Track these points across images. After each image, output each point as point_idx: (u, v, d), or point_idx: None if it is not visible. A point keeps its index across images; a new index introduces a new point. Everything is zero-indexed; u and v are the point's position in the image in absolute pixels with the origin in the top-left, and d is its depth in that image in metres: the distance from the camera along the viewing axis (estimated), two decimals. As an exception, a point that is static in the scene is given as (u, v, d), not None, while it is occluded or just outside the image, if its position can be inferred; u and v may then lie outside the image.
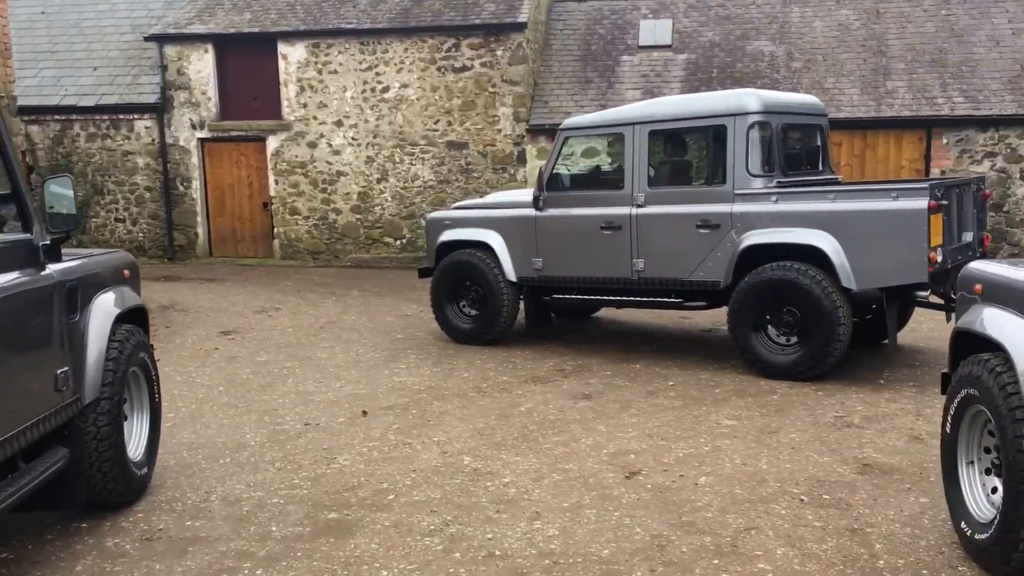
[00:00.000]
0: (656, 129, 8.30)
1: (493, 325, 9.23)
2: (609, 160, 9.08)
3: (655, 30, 16.71)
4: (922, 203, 7.05)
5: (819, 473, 5.45)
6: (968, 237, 7.79)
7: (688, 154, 8.59)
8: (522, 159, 15.41)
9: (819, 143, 8.77)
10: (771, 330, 7.74)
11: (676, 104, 8.42)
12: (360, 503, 5.14)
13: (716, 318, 10.02)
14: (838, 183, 8.76)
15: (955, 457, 4.37)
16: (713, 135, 8.05)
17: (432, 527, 4.76)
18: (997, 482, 4.19)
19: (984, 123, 13.98)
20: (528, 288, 9.16)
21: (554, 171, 8.89)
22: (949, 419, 4.38)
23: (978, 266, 4.40)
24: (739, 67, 15.65)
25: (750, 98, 7.91)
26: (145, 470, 5.28)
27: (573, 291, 8.88)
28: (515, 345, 9.28)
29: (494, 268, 9.15)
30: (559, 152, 8.87)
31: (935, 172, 14.20)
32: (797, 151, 8.46)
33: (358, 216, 16.20)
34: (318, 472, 5.67)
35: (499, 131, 15.45)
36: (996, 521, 3.91)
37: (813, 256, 7.50)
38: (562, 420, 6.69)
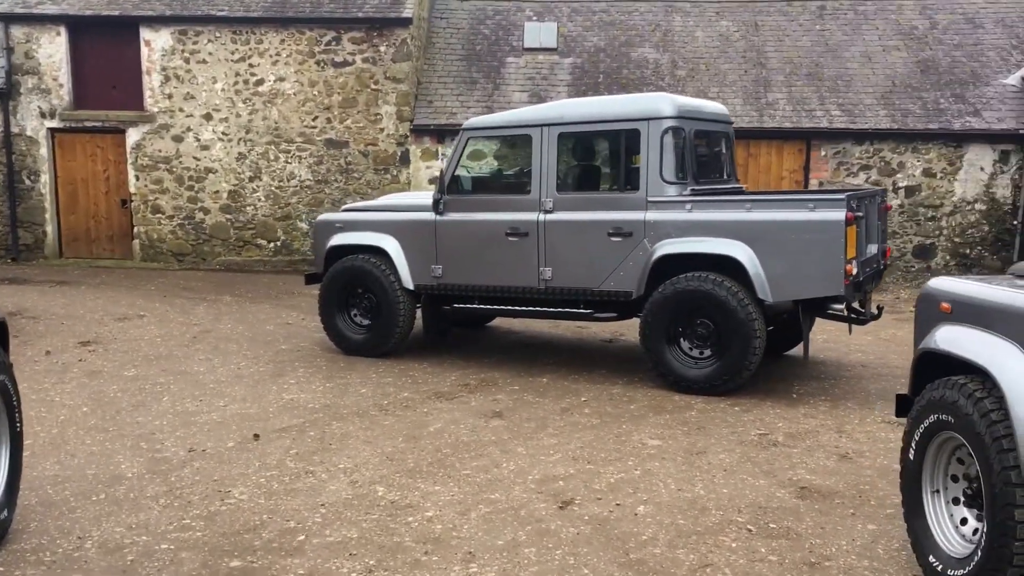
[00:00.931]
0: (566, 132, 7.93)
1: (388, 336, 8.65)
2: (515, 163, 8.67)
3: (540, 33, 16.44)
4: (839, 214, 6.94)
5: (759, 499, 5.17)
6: (873, 249, 7.77)
7: (599, 159, 8.27)
8: (405, 160, 14.82)
9: (726, 151, 8.61)
10: (684, 343, 7.49)
11: (587, 106, 8.08)
12: (266, 546, 4.51)
13: (616, 329, 9.76)
14: (743, 192, 8.63)
15: (919, 486, 4.14)
16: (626, 139, 7.75)
17: (354, 574, 4.19)
18: (966, 513, 3.98)
19: (860, 136, 14.33)
20: (426, 297, 8.63)
21: (456, 173, 8.39)
22: (913, 445, 4.14)
23: (943, 284, 4.19)
24: (625, 73, 15.55)
25: (664, 102, 7.65)
26: (5, 513, 4.50)
27: (475, 300, 8.41)
28: (412, 357, 8.73)
29: (390, 275, 8.58)
30: (461, 153, 8.38)
31: (813, 183, 14.46)
32: (707, 159, 8.26)
33: (228, 216, 15.22)
34: (212, 509, 5.00)
35: (382, 130, 14.82)
36: (976, 558, 3.67)
37: (728, 267, 7.29)
38: (477, 442, 6.20)
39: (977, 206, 14.37)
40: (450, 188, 8.37)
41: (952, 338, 3.92)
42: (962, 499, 3.99)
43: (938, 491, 4.10)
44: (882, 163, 14.39)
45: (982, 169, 14.27)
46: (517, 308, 8.23)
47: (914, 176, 14.34)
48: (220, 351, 9.03)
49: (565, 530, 4.70)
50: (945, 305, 4.06)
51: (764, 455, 5.92)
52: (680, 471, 5.60)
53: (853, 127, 14.31)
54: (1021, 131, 13.98)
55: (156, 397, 7.34)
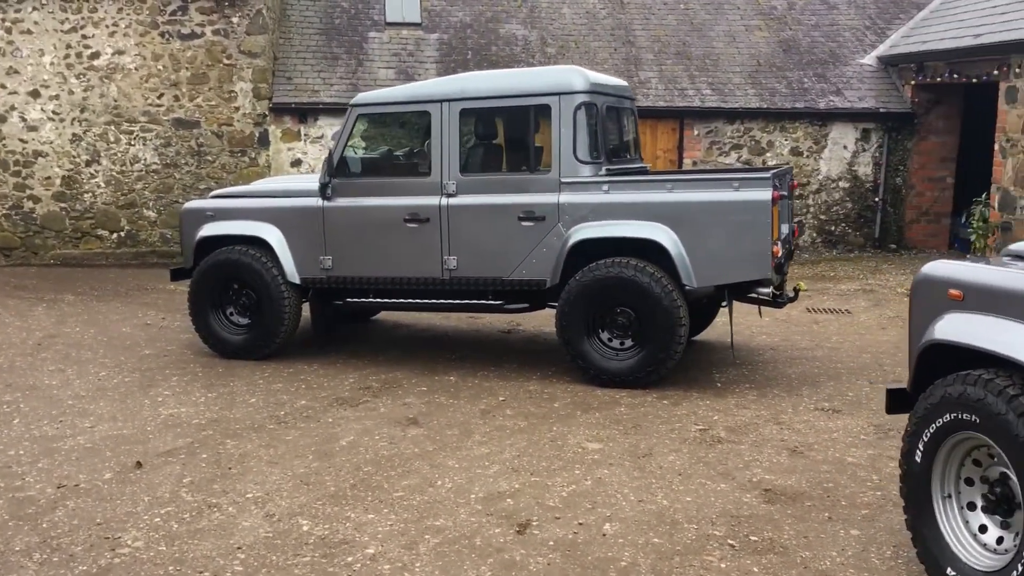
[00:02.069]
0: (468, 108, 7.28)
1: (272, 336, 7.78)
2: (412, 143, 7.96)
3: (402, 7, 15.63)
4: (766, 194, 6.63)
5: (727, 506, 4.75)
6: (785, 229, 7.53)
7: (506, 137, 7.66)
8: (264, 141, 13.73)
9: (632, 128, 8.19)
10: (604, 334, 7.02)
11: (491, 80, 7.45)
12: (181, 608, 3.71)
13: (511, 318, 9.23)
14: (649, 172, 8.25)
15: (927, 490, 3.79)
16: (535, 116, 7.18)
17: (301, 638, 3.47)
18: (985, 520, 3.65)
19: (731, 115, 14.33)
20: (315, 291, 7.81)
21: (344, 154, 7.60)
22: (921, 447, 3.78)
23: (946, 268, 3.84)
24: (494, 50, 14.98)
25: (576, 76, 7.12)
26: None
27: (371, 294, 7.66)
28: (300, 359, 7.90)
29: (272, 268, 7.71)
30: (350, 132, 7.59)
31: (687, 163, 14.37)
32: (616, 137, 7.81)
33: (63, 205, 13.69)
34: (102, 564, 4.13)
35: (237, 109, 13.65)
36: (1018, 571, 3.33)
37: (649, 251, 6.87)
38: (399, 456, 5.52)
39: (841, 184, 14.66)
40: (339, 171, 7.57)
41: (973, 330, 3.56)
42: (980, 505, 3.66)
43: (950, 496, 3.76)
44: (752, 142, 14.44)
45: (845, 147, 14.55)
46: (419, 301, 7.55)
47: (782, 155, 14.47)
48: (73, 360, 7.91)
49: (533, 561, 4.11)
50: (955, 292, 3.71)
51: (713, 454, 5.52)
52: (633, 478, 5.12)
53: (725, 106, 14.29)
54: (881, 110, 14.33)
55: (4, 420, 6.25)
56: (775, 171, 6.89)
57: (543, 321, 8.96)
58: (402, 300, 7.58)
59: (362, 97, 7.66)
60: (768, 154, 14.42)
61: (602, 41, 15.45)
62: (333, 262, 7.62)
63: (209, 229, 7.97)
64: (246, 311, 7.91)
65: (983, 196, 11.71)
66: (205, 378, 7.31)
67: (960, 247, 13.42)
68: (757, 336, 8.67)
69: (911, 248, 14.51)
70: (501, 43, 15.18)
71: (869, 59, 15.14)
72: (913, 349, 4.00)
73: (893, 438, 5.81)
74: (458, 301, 7.45)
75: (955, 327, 3.65)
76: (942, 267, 3.87)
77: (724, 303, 7.23)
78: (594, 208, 6.95)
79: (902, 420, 6.09)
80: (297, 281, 7.72)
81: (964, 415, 3.55)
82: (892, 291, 11.03)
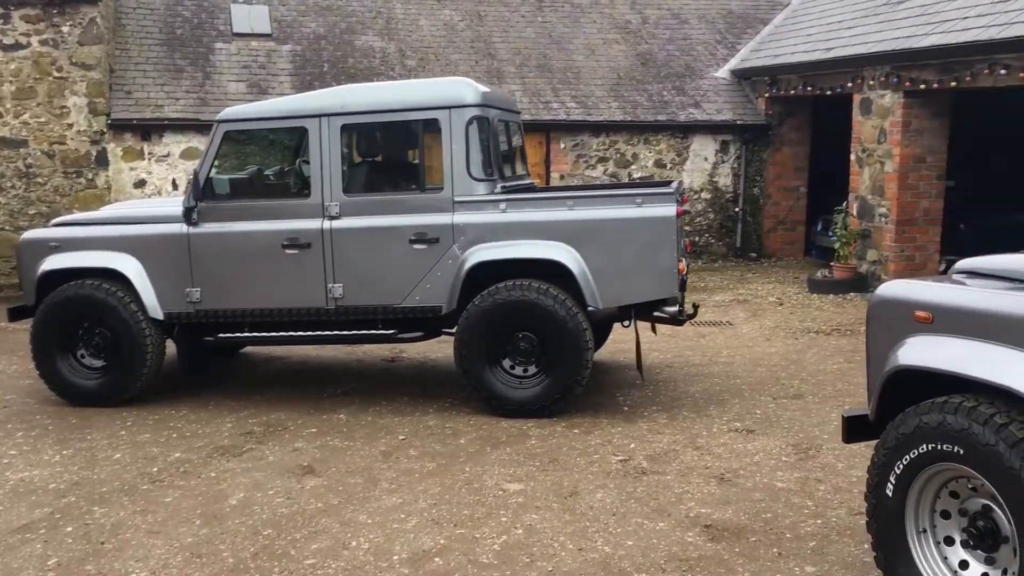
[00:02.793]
0: (350, 123, 6.74)
1: (133, 379, 6.96)
2: (288, 161, 7.32)
3: (250, 16, 14.79)
4: (670, 209, 6.41)
5: (672, 547, 4.43)
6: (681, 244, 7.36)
7: (393, 154, 7.15)
8: (103, 160, 12.59)
9: (519, 143, 7.84)
10: (506, 361, 6.62)
11: (374, 92, 6.93)
12: None
13: (393, 345, 8.68)
14: (536, 189, 7.93)
15: (901, 526, 3.57)
16: (424, 131, 6.72)
17: None
18: (966, 555, 3.46)
19: (596, 128, 14.26)
20: (181, 327, 7.04)
21: (211, 175, 6.90)
22: (893, 480, 3.56)
23: (909, 289, 3.64)
24: (351, 62, 14.36)
25: (466, 88, 6.71)
26: None
27: (247, 327, 6.97)
28: (164, 403, 7.10)
29: (130, 303, 6.90)
30: (217, 150, 6.89)
31: (555, 177, 14.20)
32: (506, 152, 7.44)
33: None
34: None
35: (70, 126, 12.46)
36: (1016, 611, 3.14)
37: (550, 272, 6.52)
38: (301, 513, 4.93)
39: (703, 195, 14.83)
40: (206, 193, 6.86)
41: (953, 355, 3.35)
42: (959, 539, 3.46)
43: (925, 531, 3.55)
44: (618, 155, 14.42)
45: (706, 159, 14.75)
46: (301, 334, 6.92)
47: (647, 167, 14.52)
48: None
49: (481, 632, 3.65)
50: (923, 314, 3.51)
51: (641, 488, 5.20)
52: (566, 523, 4.73)
53: (590, 119, 14.20)
54: (739, 122, 14.60)
55: None
56: (678, 186, 6.69)
57: (428, 347, 8.47)
58: (282, 334, 6.93)
59: (230, 112, 6.98)
60: (633, 167, 14.44)
61: (462, 54, 15.10)
62: (202, 294, 6.89)
63: (54, 262, 7.06)
64: (100, 352, 7.05)
65: (844, 204, 12.03)
66: (57, 432, 6.44)
67: (817, 255, 13.78)
68: (650, 354, 8.47)
69: (770, 256, 14.84)
70: (358, 55, 14.59)
71: (723, 72, 15.42)
72: (874, 375, 3.79)
73: (814, 458, 5.67)
74: (346, 332, 6.87)
75: (929, 352, 3.44)
76: (904, 288, 3.67)
77: (625, 323, 6.96)
78: (491, 228, 6.55)
79: (820, 440, 6.01)
80: (160, 317, 6.94)
81: (944, 446, 3.34)
82: (764, 300, 11.14)
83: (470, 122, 6.58)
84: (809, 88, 13.12)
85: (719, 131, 14.70)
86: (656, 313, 6.77)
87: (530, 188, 7.68)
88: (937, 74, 10.24)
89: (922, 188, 11.23)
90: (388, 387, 7.45)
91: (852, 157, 12.15)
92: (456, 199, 6.58)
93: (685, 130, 14.56)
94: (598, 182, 13.84)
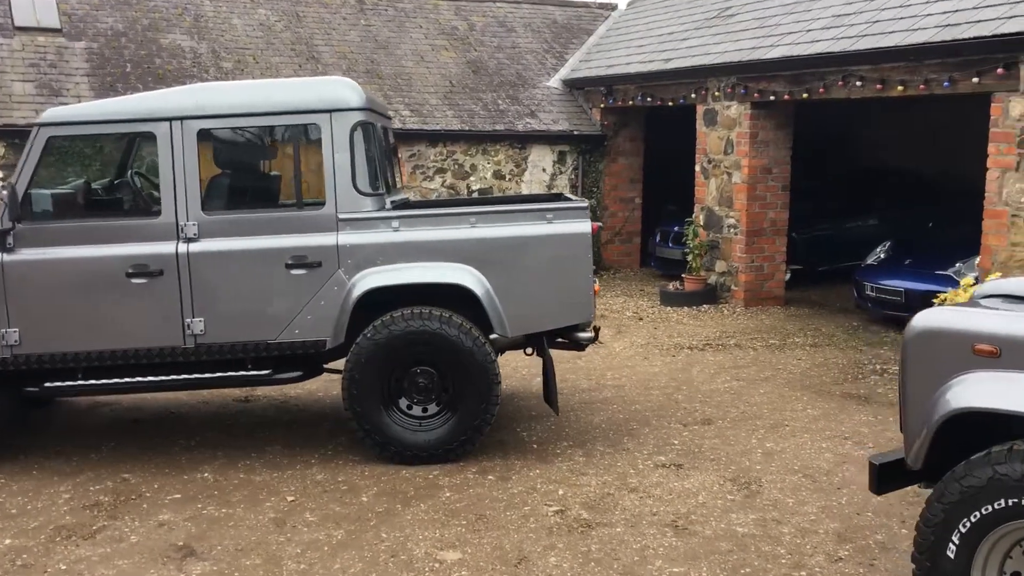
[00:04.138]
0: (210, 128, 5.69)
1: (-69, 444, 5.58)
2: (131, 172, 6.13)
3: (35, 9, 12.99)
4: (584, 225, 5.84)
5: (664, 621, 3.80)
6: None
7: (261, 164, 6.14)
8: None
9: (394, 154, 7.03)
10: (402, 400, 5.79)
11: (240, 93, 5.87)
12: None
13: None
14: (411, 204, 7.15)
15: (964, 589, 3.12)
16: (301, 138, 5.79)
17: None
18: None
19: (433, 138, 13.54)
20: (-6, 377, 5.72)
21: (31, 190, 5.63)
22: (956, 540, 3.10)
23: (968, 318, 3.20)
24: (159, 63, 12.90)
25: (349, 90, 5.84)
26: None
27: (80, 374, 5.74)
28: (-26, 470, 5.74)
29: (-75, 350, 5.52)
30: (39, 160, 5.63)
31: (389, 188, 13.36)
32: (387, 163, 6.60)
33: None
34: None
35: None
36: None
37: (451, 298, 5.76)
38: (197, 615, 3.92)
39: (541, 207, 14.44)
40: (24, 213, 5.60)
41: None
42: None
43: (991, 593, 3.11)
44: (456, 165, 13.78)
45: (544, 170, 14.37)
46: (152, 379, 5.76)
47: (486, 178, 13.96)
48: None
49: None
50: (987, 347, 3.07)
51: (595, 546, 4.56)
52: (529, 599, 4.00)
53: (427, 128, 13.48)
54: (575, 132, 14.33)
55: None
56: (586, 201, 6.11)
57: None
58: (128, 380, 5.75)
59: (53, 114, 5.73)
60: (472, 178, 13.84)
61: (283, 56, 13.97)
62: (21, 336, 5.61)
63: None
64: None
65: (692, 216, 11.96)
66: None
67: (657, 266, 13.69)
68: (531, 379, 7.86)
69: (608, 268, 14.65)
70: (166, 55, 13.15)
71: (554, 82, 15.13)
72: (914, 415, 3.33)
73: (759, 494, 5.24)
74: (208, 375, 5.79)
75: (1004, 391, 2.99)
76: (955, 317, 3.23)
77: (528, 351, 6.31)
78: (383, 249, 5.70)
79: (753, 471, 5.59)
80: (-34, 364, 5.60)
81: (1017, 501, 2.89)
82: (622, 315, 10.82)
83: (355, 128, 5.72)
84: (648, 99, 13.01)
85: (556, 141, 14.36)
86: (560, 339, 6.15)
87: (405, 204, 6.87)
88: (788, 85, 10.29)
89: (769, 199, 11.30)
90: (251, 434, 6.42)
91: (697, 168, 12.10)
92: (341, 216, 5.69)
93: (523, 140, 14.11)
94: (466, 196, 13.18)
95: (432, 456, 5.73)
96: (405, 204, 6.79)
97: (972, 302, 3.44)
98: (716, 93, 11.55)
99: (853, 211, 12.91)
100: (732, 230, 11.42)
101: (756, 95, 10.81)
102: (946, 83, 8.41)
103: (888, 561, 4.38)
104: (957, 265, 9.61)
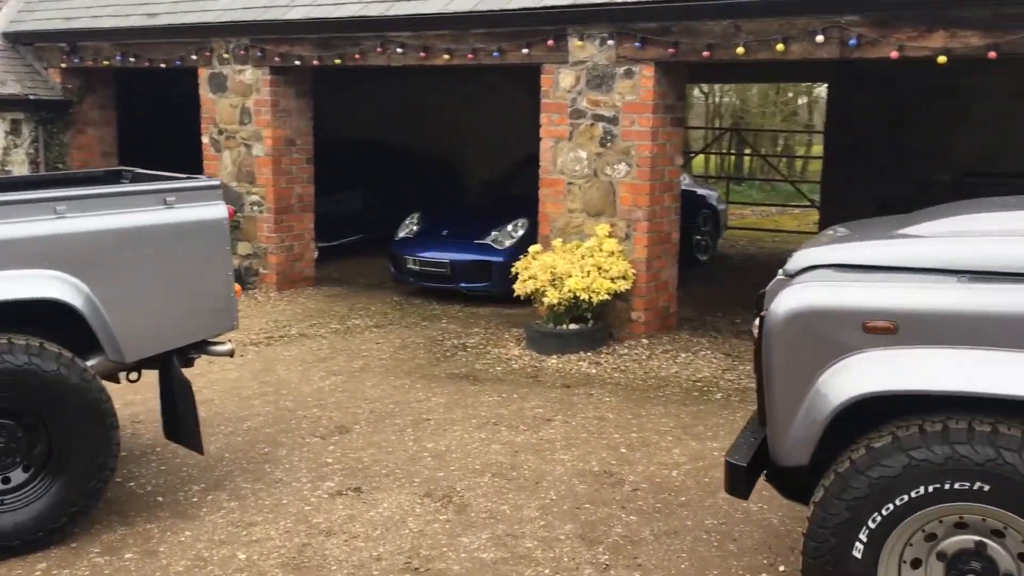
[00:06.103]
0: None
1: None
2: None
3: None
4: (220, 209, 4.55)
5: None
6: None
7: None
8: None
9: None
10: (-31, 472, 3.98)
11: None
12: None
13: None
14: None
15: (870, 587, 2.88)
16: None
17: None
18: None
19: None
20: None
21: None
22: (864, 536, 2.84)
23: (861, 292, 2.90)
24: None
25: None
26: None
27: None
28: None
29: None
30: None
31: None
32: None
33: None
34: None
35: None
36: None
37: (39, 318, 4.09)
38: None
39: (-6, 188, 11.71)
40: None
41: (947, 370, 2.72)
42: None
43: (894, 587, 2.91)
44: None
45: (-5, 143, 11.65)
46: None
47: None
48: None
49: None
50: (882, 323, 2.82)
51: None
52: None
53: None
54: (31, 97, 11.85)
55: None
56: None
57: None
58: None
59: None
60: None
61: None
62: None
63: None
64: None
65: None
66: None
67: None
68: (125, 409, 6.11)
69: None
70: None
71: (-8, 34, 12.34)
72: (786, 407, 2.98)
73: (468, 508, 4.59)
74: None
75: (913, 369, 2.76)
76: (838, 293, 2.92)
77: (132, 377, 4.79)
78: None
79: (439, 479, 4.91)
80: None
81: (959, 484, 2.71)
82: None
83: None
84: (132, 59, 11.18)
85: (7, 108, 11.71)
86: (193, 355, 4.78)
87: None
88: (316, 49, 9.51)
89: (295, 172, 10.45)
90: None
91: (205, 140, 10.74)
92: None
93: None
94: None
95: (30, 543, 4.02)
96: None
97: (804, 276, 3.17)
98: (225, 55, 10.31)
99: (340, 185, 12.53)
100: (256, 208, 10.35)
101: (277, 59, 9.84)
102: (495, 53, 8.42)
103: (646, 556, 4.08)
104: (493, 234, 9.83)
